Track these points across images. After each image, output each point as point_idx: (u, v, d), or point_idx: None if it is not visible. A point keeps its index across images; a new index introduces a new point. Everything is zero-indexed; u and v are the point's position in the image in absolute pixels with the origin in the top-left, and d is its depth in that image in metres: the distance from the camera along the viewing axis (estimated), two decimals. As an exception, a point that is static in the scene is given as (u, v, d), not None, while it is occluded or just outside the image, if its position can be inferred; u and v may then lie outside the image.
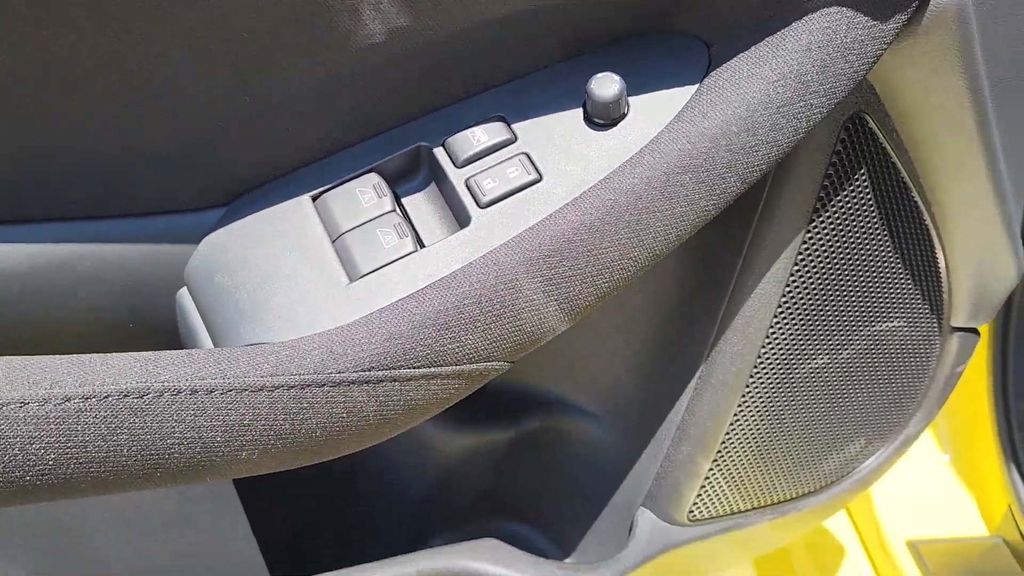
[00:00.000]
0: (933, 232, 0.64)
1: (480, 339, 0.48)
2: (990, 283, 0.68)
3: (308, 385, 0.44)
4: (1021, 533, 0.94)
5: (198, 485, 0.65)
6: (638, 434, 0.68)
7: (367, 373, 0.46)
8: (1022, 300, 0.98)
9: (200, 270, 0.51)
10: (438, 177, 0.52)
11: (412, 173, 0.53)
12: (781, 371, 0.63)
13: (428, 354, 0.47)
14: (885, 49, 0.48)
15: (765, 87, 0.47)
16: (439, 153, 0.52)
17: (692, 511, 0.68)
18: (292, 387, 0.44)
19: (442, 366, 0.48)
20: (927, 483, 1.05)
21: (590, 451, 0.71)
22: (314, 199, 0.52)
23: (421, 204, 0.53)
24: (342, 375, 0.45)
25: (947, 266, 0.66)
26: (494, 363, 0.50)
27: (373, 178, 0.51)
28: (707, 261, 0.62)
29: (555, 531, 0.73)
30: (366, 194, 0.51)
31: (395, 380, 0.47)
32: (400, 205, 0.52)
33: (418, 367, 0.47)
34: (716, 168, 0.48)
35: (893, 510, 1.03)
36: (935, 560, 0.95)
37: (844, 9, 0.47)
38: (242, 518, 0.65)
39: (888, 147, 0.57)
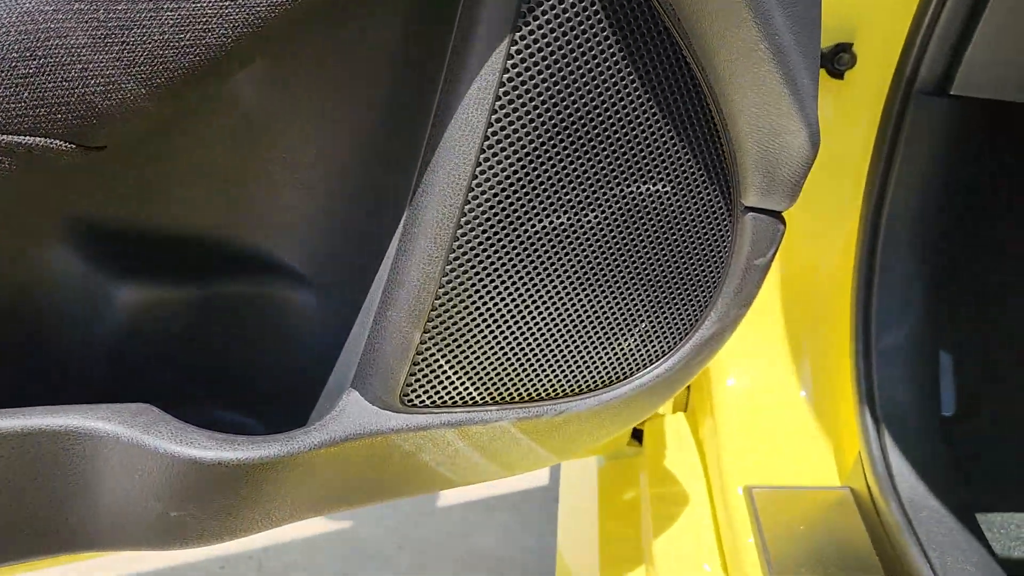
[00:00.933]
0: (698, 73, 0.53)
1: (11, 98, 0.38)
2: (778, 151, 0.57)
3: None
4: (867, 484, 0.84)
5: None
6: (348, 300, 0.58)
7: None
8: (889, 229, 0.88)
9: None
10: None
11: None
12: (501, 225, 0.53)
13: None
14: None
15: None
16: None
17: (408, 394, 0.57)
18: None
19: None
20: (783, 425, 0.94)
21: (301, 320, 0.60)
22: None
23: None
24: None
25: (723, 121, 0.56)
26: (46, 140, 0.40)
27: None
28: (411, 78, 0.52)
29: (259, 414, 0.63)
30: None
31: None
32: None
33: None
34: None
35: (741, 453, 0.92)
36: (769, 510, 0.84)
37: None
38: None
39: None
